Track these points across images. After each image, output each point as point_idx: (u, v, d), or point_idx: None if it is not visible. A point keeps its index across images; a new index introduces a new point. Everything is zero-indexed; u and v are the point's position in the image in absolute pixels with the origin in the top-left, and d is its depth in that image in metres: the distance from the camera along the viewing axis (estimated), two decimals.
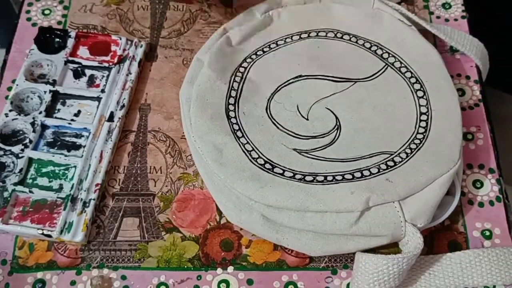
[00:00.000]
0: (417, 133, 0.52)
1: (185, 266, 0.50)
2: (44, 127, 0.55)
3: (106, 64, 0.59)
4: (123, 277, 0.50)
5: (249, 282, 0.49)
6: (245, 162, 0.50)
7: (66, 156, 0.54)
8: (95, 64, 0.59)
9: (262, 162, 0.50)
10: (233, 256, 0.51)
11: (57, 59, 0.59)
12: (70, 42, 0.59)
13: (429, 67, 0.55)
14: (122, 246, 0.51)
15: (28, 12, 0.64)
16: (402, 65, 0.56)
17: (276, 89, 0.55)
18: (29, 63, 0.58)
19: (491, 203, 0.53)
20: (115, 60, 0.59)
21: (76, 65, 0.59)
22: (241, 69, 0.56)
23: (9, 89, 0.58)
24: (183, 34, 0.63)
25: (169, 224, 0.52)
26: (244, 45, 0.57)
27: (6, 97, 0.57)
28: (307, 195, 0.47)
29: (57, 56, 0.59)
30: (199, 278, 0.50)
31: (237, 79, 0.55)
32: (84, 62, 0.59)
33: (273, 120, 0.53)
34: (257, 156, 0.50)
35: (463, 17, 0.64)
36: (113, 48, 0.60)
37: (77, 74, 0.59)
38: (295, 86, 0.55)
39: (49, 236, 0.49)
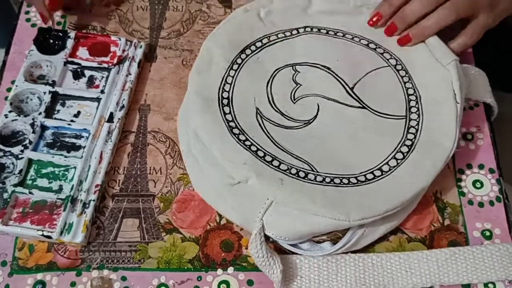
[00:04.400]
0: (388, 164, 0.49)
1: (185, 267, 0.50)
2: (43, 128, 0.55)
3: (105, 65, 0.59)
4: (123, 278, 0.50)
5: (250, 282, 0.49)
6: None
7: (65, 157, 0.54)
8: (95, 65, 0.59)
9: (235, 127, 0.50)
10: (233, 257, 0.51)
11: (56, 60, 0.58)
12: (70, 43, 0.59)
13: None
14: (122, 247, 0.51)
15: (27, 13, 0.64)
16: (409, 82, 0.54)
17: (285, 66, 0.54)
18: (28, 64, 0.58)
19: (491, 203, 0.53)
20: (115, 60, 0.59)
21: (75, 66, 0.59)
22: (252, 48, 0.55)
23: (9, 90, 0.58)
24: (183, 34, 0.63)
25: (169, 225, 0.52)
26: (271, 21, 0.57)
27: (6, 98, 0.57)
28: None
29: (56, 57, 0.59)
30: (199, 279, 0.50)
31: (239, 61, 0.54)
32: (84, 63, 0.59)
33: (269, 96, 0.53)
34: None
35: None
36: (112, 48, 0.60)
37: (77, 75, 0.59)
38: (311, 70, 0.54)
39: (49, 237, 0.49)
